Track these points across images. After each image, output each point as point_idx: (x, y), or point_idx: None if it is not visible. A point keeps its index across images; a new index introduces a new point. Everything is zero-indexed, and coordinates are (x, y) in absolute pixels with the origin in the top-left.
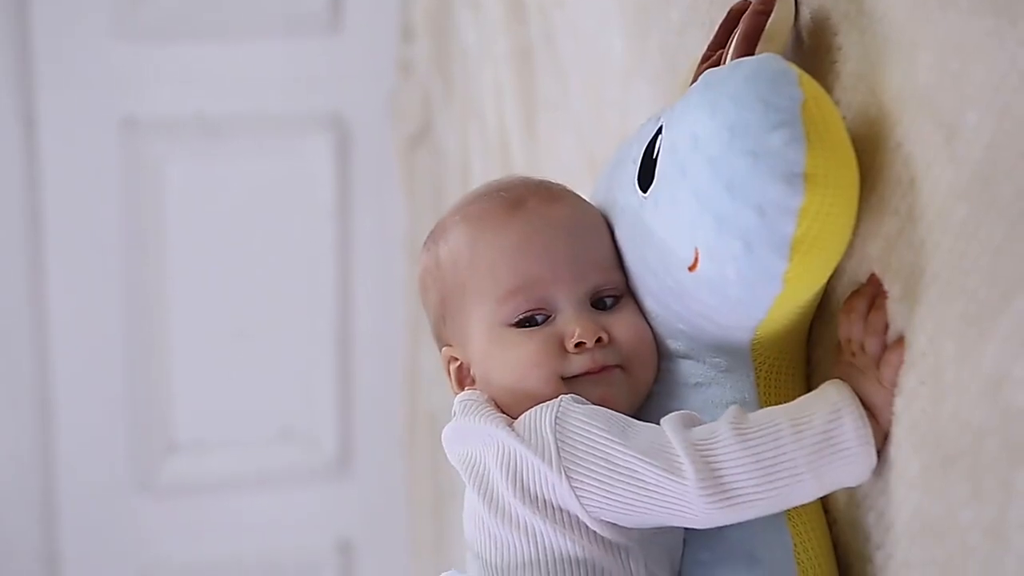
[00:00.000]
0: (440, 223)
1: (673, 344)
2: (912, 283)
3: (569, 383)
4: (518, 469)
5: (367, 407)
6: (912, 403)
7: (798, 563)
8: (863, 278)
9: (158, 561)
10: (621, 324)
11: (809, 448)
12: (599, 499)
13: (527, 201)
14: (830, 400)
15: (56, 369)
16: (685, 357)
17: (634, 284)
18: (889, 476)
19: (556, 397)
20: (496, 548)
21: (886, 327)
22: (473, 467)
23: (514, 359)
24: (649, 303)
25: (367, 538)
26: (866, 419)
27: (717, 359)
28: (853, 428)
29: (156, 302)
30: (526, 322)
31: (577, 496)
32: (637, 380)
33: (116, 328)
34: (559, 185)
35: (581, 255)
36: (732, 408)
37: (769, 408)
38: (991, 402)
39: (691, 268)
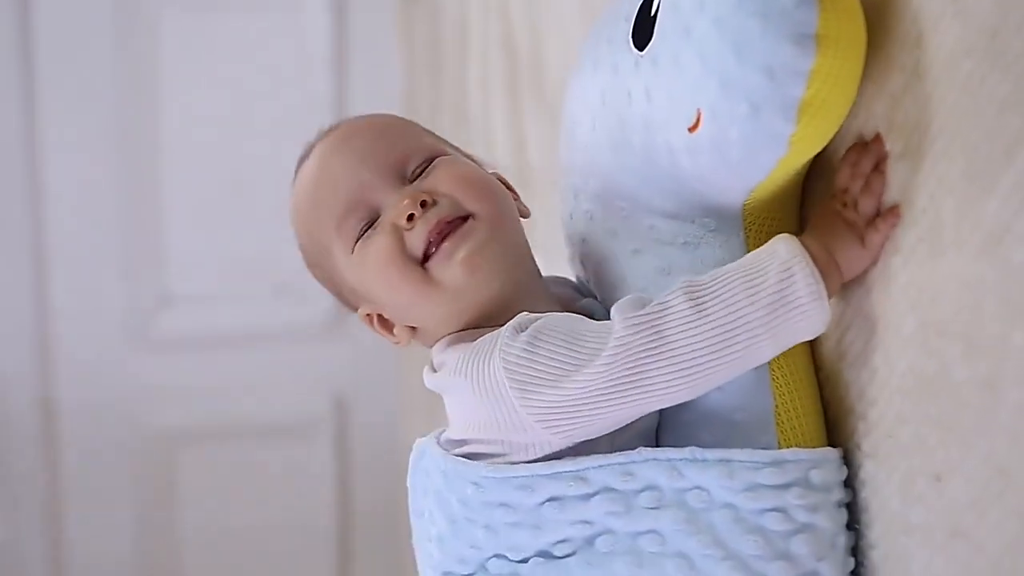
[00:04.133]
0: None
1: (661, 203)
2: (915, 140)
3: (429, 267)
4: (483, 415)
5: None
6: (910, 260)
7: (778, 425)
8: (867, 136)
9: (153, 411)
10: (438, 176)
11: (764, 309)
12: (567, 428)
13: (313, 149)
14: (780, 258)
15: (51, 221)
16: (674, 217)
17: (618, 144)
18: (884, 334)
19: (425, 285)
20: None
21: (884, 190)
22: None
23: (372, 269)
24: (635, 162)
25: (361, 396)
26: (817, 275)
27: (707, 219)
28: (805, 285)
29: (151, 155)
30: (366, 233)
31: (547, 430)
32: (490, 219)
33: (111, 181)
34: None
35: (377, 154)
36: (683, 280)
37: (720, 269)
38: (990, 258)
39: (691, 129)
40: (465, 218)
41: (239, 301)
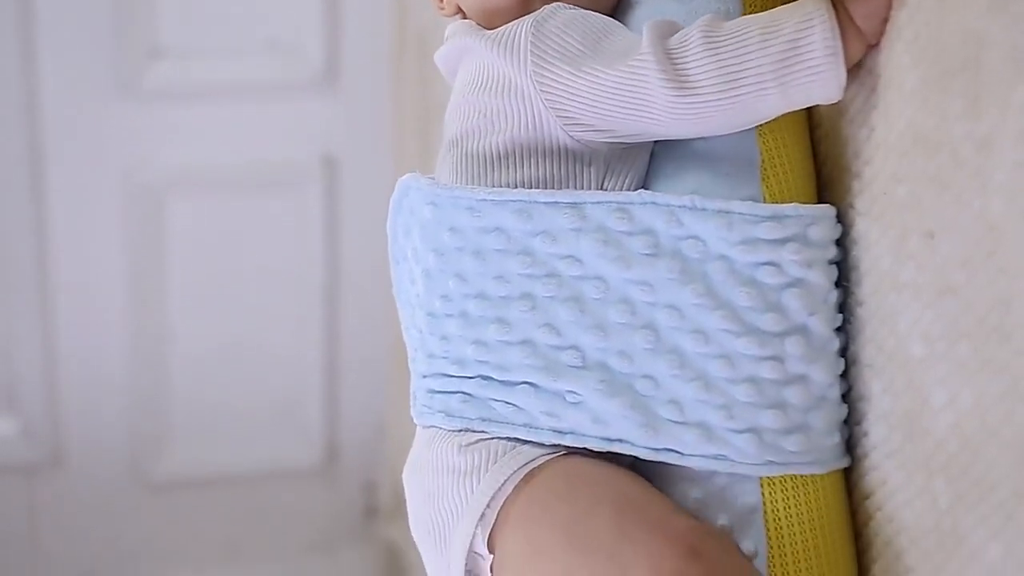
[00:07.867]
0: None
1: None
2: None
3: None
4: (493, 70)
5: (355, 21)
6: (915, 15)
7: (763, 176)
8: None
9: (141, 165)
10: None
11: (775, 56)
12: (565, 102)
13: None
14: (804, 10)
15: None
16: None
17: None
18: (885, 91)
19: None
20: (473, 137)
21: None
22: (456, 72)
23: None
24: None
25: (351, 152)
26: (838, 32)
27: None
28: (822, 39)
29: None
30: None
31: (544, 100)
32: None
33: None
34: None
35: None
36: (707, 16)
37: (744, 17)
38: (999, 14)
39: None
40: None
41: (231, 54)
